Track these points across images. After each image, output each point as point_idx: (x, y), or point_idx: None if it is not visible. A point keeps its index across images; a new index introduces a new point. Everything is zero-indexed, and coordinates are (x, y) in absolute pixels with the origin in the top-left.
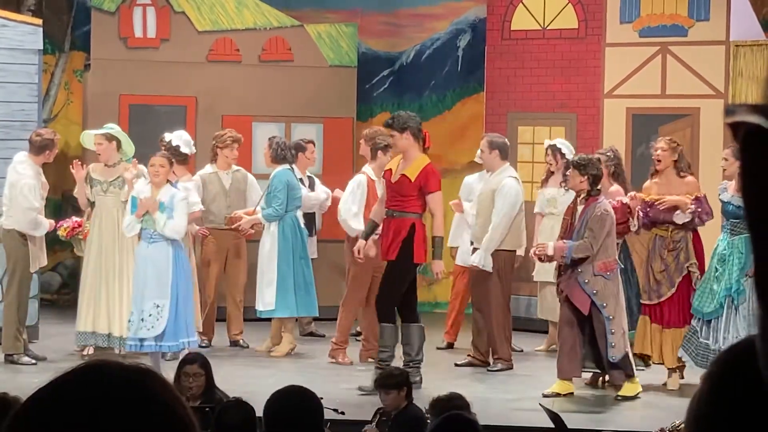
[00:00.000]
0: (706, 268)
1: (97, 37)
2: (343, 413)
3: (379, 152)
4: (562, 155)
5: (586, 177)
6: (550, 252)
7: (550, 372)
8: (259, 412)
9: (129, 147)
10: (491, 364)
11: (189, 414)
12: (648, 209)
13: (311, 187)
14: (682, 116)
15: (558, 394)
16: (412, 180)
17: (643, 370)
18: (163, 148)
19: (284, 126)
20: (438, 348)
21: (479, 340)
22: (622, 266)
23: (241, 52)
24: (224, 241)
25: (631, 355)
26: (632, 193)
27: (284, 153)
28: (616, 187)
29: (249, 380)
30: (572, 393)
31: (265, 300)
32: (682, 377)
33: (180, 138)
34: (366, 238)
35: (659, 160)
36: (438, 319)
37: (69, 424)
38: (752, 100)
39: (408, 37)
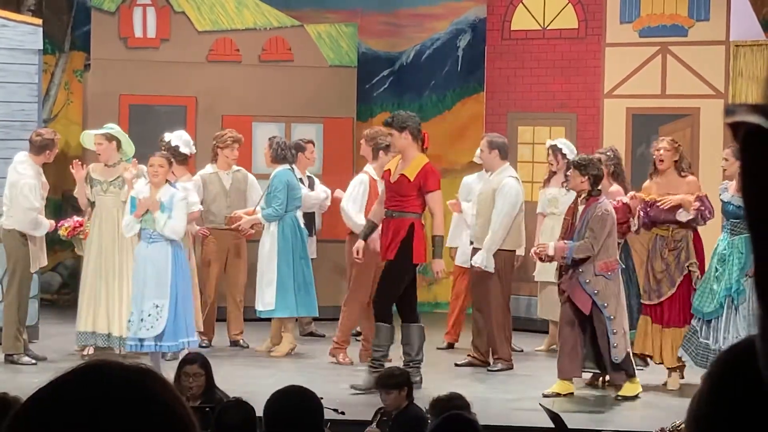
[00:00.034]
0: (707, 268)
1: (97, 37)
2: (343, 413)
3: (381, 152)
4: (563, 155)
5: (587, 177)
6: (550, 252)
7: (550, 372)
8: (259, 412)
9: (129, 147)
10: (491, 364)
11: (189, 414)
12: (648, 209)
13: (311, 186)
14: (682, 116)
15: (558, 394)
16: (411, 179)
17: (642, 369)
18: (162, 148)
19: (284, 126)
20: (438, 348)
21: (479, 340)
22: (623, 266)
23: (241, 52)
24: (224, 241)
25: (631, 354)
26: (632, 193)
27: (284, 153)
28: (615, 187)
29: (249, 380)
30: (572, 393)
31: (265, 300)
32: (682, 377)
33: (179, 138)
34: (365, 239)
35: (662, 160)
36: (438, 319)
37: (69, 424)
38: (752, 100)
39: (408, 37)
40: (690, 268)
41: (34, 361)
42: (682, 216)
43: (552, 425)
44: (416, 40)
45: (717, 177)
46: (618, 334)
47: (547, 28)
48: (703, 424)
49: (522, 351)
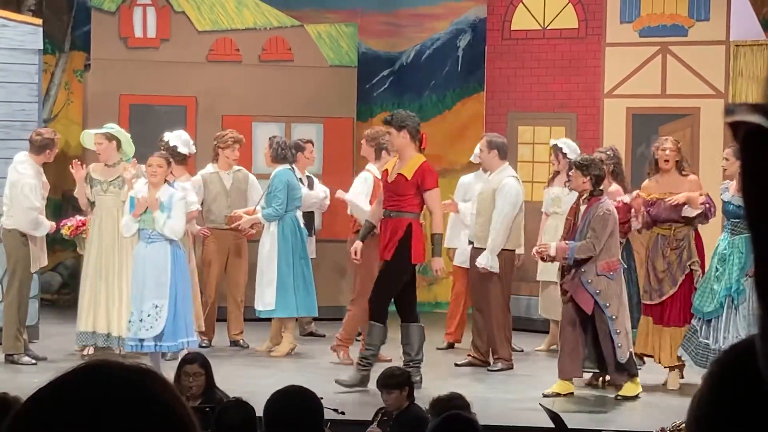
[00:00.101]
0: (707, 268)
1: (97, 37)
2: (343, 413)
3: (383, 152)
4: (564, 155)
5: (588, 177)
6: (552, 253)
7: (550, 372)
8: (259, 412)
9: (129, 147)
10: (491, 364)
11: (189, 414)
12: (649, 208)
13: (310, 186)
14: (682, 116)
15: (558, 394)
16: (409, 178)
17: (639, 368)
18: (161, 148)
19: (284, 126)
20: (438, 348)
21: (479, 340)
22: (625, 266)
23: (241, 52)
24: (225, 241)
25: (633, 354)
26: (636, 193)
27: (285, 153)
28: (615, 187)
29: (249, 380)
30: (572, 393)
31: (265, 300)
32: (682, 376)
33: (178, 138)
34: (363, 240)
35: (667, 160)
36: (438, 319)
37: (69, 424)
38: (752, 99)
39: (408, 37)
40: (692, 267)
41: (34, 361)
42: (689, 211)
43: (552, 425)
44: (416, 40)
45: (717, 177)
46: (621, 334)
47: (547, 28)
48: (704, 424)
49: (522, 351)
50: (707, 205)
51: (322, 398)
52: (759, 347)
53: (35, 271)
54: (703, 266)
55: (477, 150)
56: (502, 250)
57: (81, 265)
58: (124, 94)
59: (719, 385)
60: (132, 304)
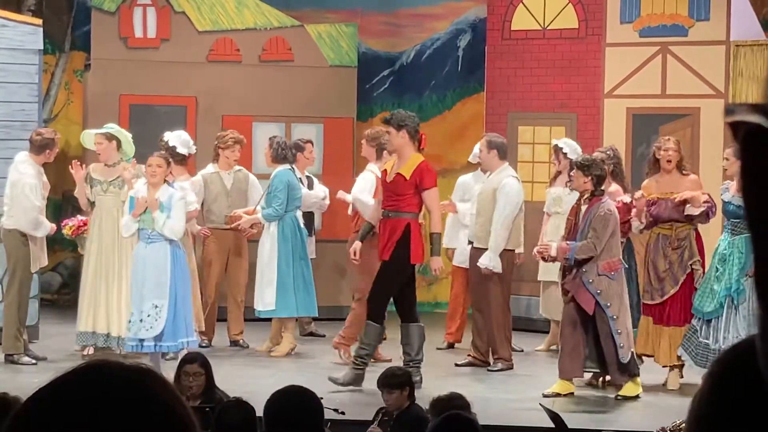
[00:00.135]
0: (707, 268)
1: (97, 37)
2: (343, 413)
3: (385, 152)
4: (564, 155)
5: (589, 177)
6: (553, 253)
7: (550, 372)
8: (259, 412)
9: (129, 147)
10: (491, 364)
11: (189, 414)
12: (650, 207)
13: (309, 186)
14: (682, 116)
15: (558, 394)
16: (407, 178)
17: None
18: (161, 148)
19: (284, 126)
20: (438, 348)
21: (479, 340)
22: (627, 266)
23: (241, 52)
24: (225, 241)
25: (635, 354)
26: (639, 193)
27: (285, 153)
28: (615, 187)
29: (249, 380)
30: (573, 393)
31: (265, 300)
32: (682, 376)
33: (178, 138)
34: (362, 240)
35: (669, 161)
36: (438, 319)
37: (69, 424)
38: (752, 99)
39: (408, 37)
40: (693, 267)
41: (34, 361)
42: (692, 210)
43: (552, 425)
44: (416, 40)
45: (717, 177)
46: (622, 334)
47: (548, 28)
48: (704, 425)
49: (522, 351)
50: (709, 204)
51: (322, 398)
52: (759, 347)
53: (35, 271)
54: (703, 266)
55: (476, 150)
56: (503, 250)
57: (81, 265)
58: (124, 94)
59: (720, 384)
60: (132, 304)
